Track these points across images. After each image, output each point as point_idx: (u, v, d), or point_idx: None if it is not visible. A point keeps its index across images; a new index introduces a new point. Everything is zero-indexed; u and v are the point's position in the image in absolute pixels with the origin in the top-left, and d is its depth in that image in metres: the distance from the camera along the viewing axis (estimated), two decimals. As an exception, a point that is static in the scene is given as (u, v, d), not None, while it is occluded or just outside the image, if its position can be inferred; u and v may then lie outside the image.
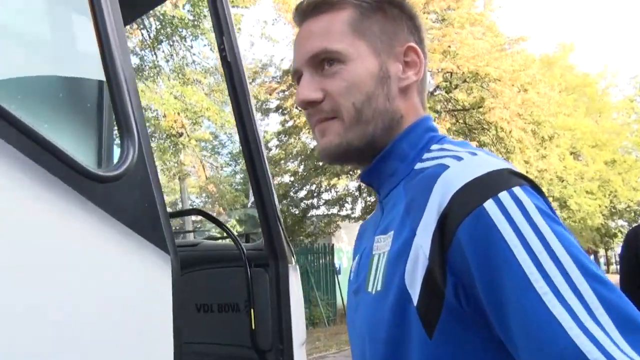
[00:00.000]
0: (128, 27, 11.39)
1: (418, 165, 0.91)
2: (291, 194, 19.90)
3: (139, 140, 1.42)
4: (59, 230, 1.23)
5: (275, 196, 2.30)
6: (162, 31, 11.14)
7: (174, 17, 10.63)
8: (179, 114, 10.74)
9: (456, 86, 17.77)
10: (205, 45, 12.23)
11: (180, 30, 11.00)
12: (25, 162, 1.15)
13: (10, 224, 1.13)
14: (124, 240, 1.33)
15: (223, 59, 2.26)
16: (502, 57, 16.76)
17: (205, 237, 3.31)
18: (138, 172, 1.40)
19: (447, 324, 0.78)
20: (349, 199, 19.77)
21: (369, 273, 0.92)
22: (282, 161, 19.38)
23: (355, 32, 0.94)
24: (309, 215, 20.39)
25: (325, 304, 15.15)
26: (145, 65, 11.42)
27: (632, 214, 30.76)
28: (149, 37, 11.40)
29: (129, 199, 1.38)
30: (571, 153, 23.23)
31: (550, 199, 18.99)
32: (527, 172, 17.51)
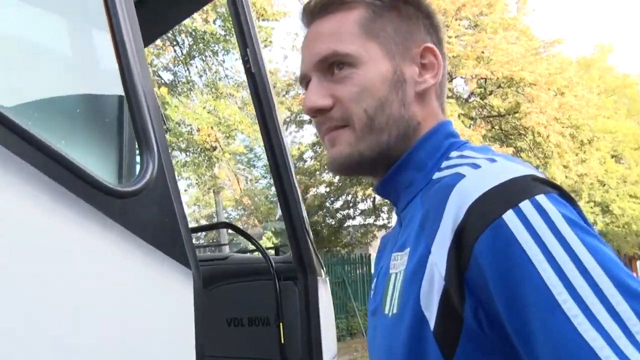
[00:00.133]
0: (161, 43, 11.63)
1: (436, 175, 0.84)
2: (327, 204, 19.87)
3: (158, 155, 1.41)
4: (77, 247, 1.22)
5: (303, 208, 2.27)
6: (194, 47, 11.31)
7: (205, 32, 10.77)
8: (212, 127, 10.86)
9: (491, 92, 17.53)
10: (237, 59, 12.41)
11: (212, 45, 11.14)
12: (41, 179, 1.14)
13: (27, 242, 1.13)
14: (143, 256, 1.32)
15: (247, 70, 2.25)
16: (537, 61, 16.48)
17: (237, 249, 3.30)
18: (158, 186, 1.39)
19: (467, 350, 0.70)
20: (385, 209, 19.62)
21: (385, 293, 0.85)
22: (318, 172, 19.39)
23: (367, 33, 0.87)
24: (345, 225, 20.32)
25: (362, 314, 15.02)
26: (179, 81, 11.59)
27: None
28: (182, 53, 11.58)
29: (148, 214, 1.36)
30: (612, 156, 22.56)
31: (592, 204, 18.69)
32: (566, 177, 17.14)
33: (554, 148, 16.57)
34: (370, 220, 20.03)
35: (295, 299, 2.24)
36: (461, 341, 0.70)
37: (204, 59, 11.75)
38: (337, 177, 19.36)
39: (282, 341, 2.21)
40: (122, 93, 1.40)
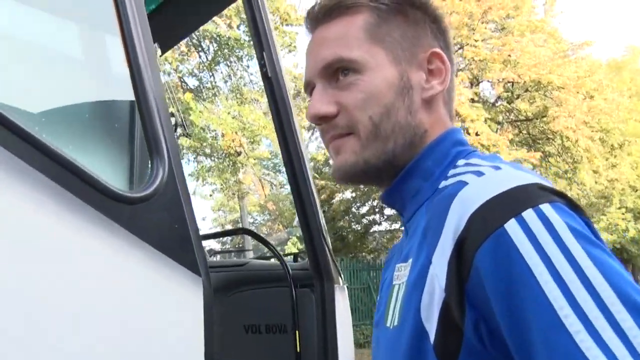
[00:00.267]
0: (186, 49, 11.74)
1: (443, 184, 0.81)
2: (353, 210, 19.81)
3: (169, 161, 1.39)
4: (85, 254, 1.21)
5: (321, 215, 2.24)
6: (219, 52, 11.38)
7: (229, 38, 10.84)
8: (236, 133, 10.91)
9: (518, 96, 17.29)
10: (262, 64, 12.39)
11: (237, 50, 11.21)
12: (49, 185, 1.13)
13: (36, 247, 1.12)
14: (152, 262, 1.31)
15: (264, 74, 2.23)
16: (566, 63, 16.20)
17: (257, 256, 3.28)
18: (168, 192, 1.37)
19: None
20: (411, 214, 19.46)
21: (388, 305, 0.83)
22: (343, 177, 19.29)
23: (373, 38, 0.85)
24: (371, 231, 20.23)
25: (387, 321, 14.91)
26: (203, 86, 11.68)
27: None
28: (207, 58, 11.67)
29: (158, 221, 1.35)
30: (645, 161, 22.05)
31: (623, 210, 18.27)
32: (596, 182, 16.81)
33: (583, 152, 16.26)
34: (397, 226, 19.90)
35: (311, 306, 2.21)
36: (461, 355, 0.68)
37: (229, 64, 11.83)
38: (363, 182, 19.28)
39: (298, 349, 2.18)
40: (133, 99, 1.40)
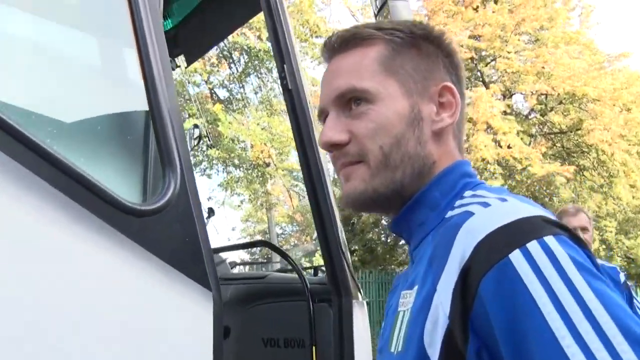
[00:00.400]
0: (216, 61, 11.88)
1: (449, 214, 0.83)
2: (382, 222, 19.68)
3: (181, 173, 1.39)
4: (95, 266, 1.20)
5: (340, 229, 2.21)
6: (249, 64, 11.49)
7: (259, 50, 10.93)
8: (265, 144, 10.96)
9: (551, 108, 17.01)
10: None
11: (266, 62, 11.29)
12: (59, 197, 1.13)
13: (44, 259, 1.12)
14: (162, 276, 1.29)
15: (284, 87, 2.22)
16: (601, 75, 15.87)
17: (278, 268, 3.28)
18: (179, 205, 1.36)
19: None
20: (440, 227, 19.25)
21: (392, 331, 0.85)
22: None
23: (386, 70, 0.87)
24: (401, 243, 20.02)
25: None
26: (233, 97, 11.79)
27: None
28: (237, 70, 11.78)
29: (168, 233, 1.34)
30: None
31: (661, 227, 17.73)
32: (633, 197, 16.38)
33: (620, 166, 15.86)
34: (426, 239, 19.68)
35: (329, 321, 2.17)
36: None
37: (259, 75, 11.93)
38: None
39: (315, 365, 2.15)
40: (146, 110, 1.40)
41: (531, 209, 0.72)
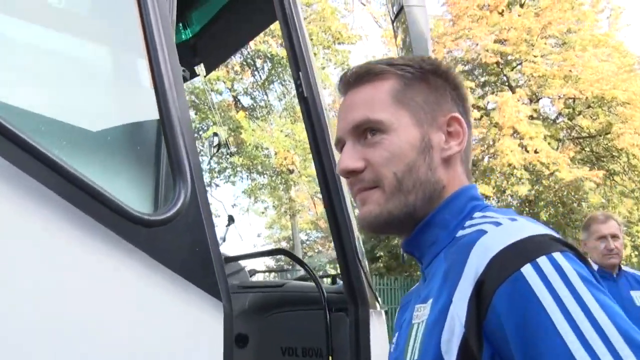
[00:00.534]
0: (240, 69, 11.97)
1: (460, 233, 0.90)
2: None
3: (192, 183, 1.38)
4: (103, 276, 1.20)
5: (357, 236, 2.18)
6: (272, 71, 11.54)
7: (282, 57, 10.98)
8: (289, 151, 10.99)
9: (580, 112, 16.73)
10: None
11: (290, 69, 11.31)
12: (68, 208, 1.14)
13: (51, 270, 1.12)
14: (172, 286, 1.29)
15: (300, 94, 2.21)
16: (631, 78, 15.58)
17: (298, 276, 3.26)
18: (189, 215, 1.36)
19: None
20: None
21: (407, 342, 0.90)
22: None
23: (398, 103, 0.94)
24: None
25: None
26: (257, 105, 11.84)
27: None
28: (260, 77, 11.85)
29: (178, 243, 1.33)
30: None
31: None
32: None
33: (651, 171, 15.54)
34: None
35: (345, 330, 2.15)
36: None
37: (282, 83, 11.98)
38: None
39: (331, 375, 2.12)
40: (157, 120, 1.40)
41: (539, 228, 0.79)
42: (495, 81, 17.64)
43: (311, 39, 11.08)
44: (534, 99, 16.92)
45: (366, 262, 2.34)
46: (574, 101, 16.48)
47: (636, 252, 16.38)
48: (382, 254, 16.77)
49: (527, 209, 15.89)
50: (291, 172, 11.77)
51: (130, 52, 1.52)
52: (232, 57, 11.07)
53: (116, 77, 1.53)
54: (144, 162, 1.45)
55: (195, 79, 3.53)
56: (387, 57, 1.07)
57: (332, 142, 2.24)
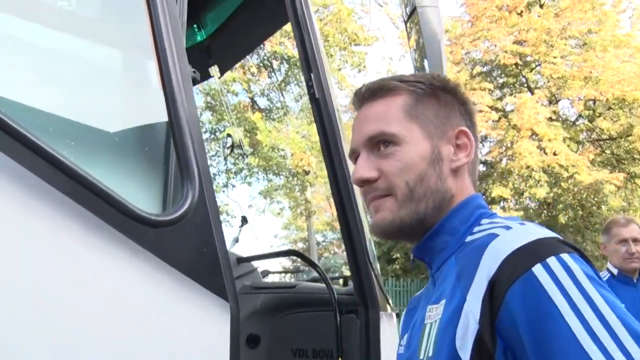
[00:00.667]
0: (256, 70, 12.02)
1: (469, 238, 0.96)
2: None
3: (200, 184, 1.38)
4: (111, 277, 1.21)
5: (366, 237, 2.17)
6: (289, 73, 11.56)
7: (298, 59, 10.97)
8: (305, 152, 10.99)
9: (600, 114, 16.51)
10: (334, 83, 12.50)
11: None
12: (75, 208, 1.14)
13: (59, 271, 1.13)
14: (178, 287, 1.29)
15: (311, 95, 2.20)
16: (654, 79, 15.33)
17: (310, 278, 3.26)
18: (197, 216, 1.36)
19: None
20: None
21: (421, 341, 0.95)
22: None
23: (410, 117, 1.01)
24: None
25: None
26: (274, 106, 11.87)
27: None
28: (277, 79, 11.87)
29: (185, 244, 1.33)
30: None
31: None
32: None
33: (674, 174, 15.29)
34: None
35: (356, 332, 2.14)
36: None
37: (299, 84, 11.99)
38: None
39: (340, 378, 2.12)
40: (165, 121, 1.40)
41: (547, 232, 0.85)
42: (513, 82, 17.49)
43: (327, 41, 11.08)
44: (553, 100, 16.75)
45: (377, 265, 2.32)
46: (594, 103, 16.27)
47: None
48: (398, 255, 16.71)
49: (545, 211, 15.73)
50: (307, 173, 11.78)
51: (139, 54, 1.53)
52: (249, 58, 11.16)
53: (125, 79, 1.54)
54: (153, 163, 1.45)
55: (213, 80, 3.55)
56: (398, 74, 1.14)
57: (344, 143, 2.24)
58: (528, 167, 14.52)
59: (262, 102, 12.55)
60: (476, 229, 0.97)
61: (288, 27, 2.51)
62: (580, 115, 17.03)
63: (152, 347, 1.25)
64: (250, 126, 9.61)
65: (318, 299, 2.51)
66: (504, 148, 15.83)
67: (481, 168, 17.28)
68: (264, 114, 11.45)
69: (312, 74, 2.18)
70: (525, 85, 17.20)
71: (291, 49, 11.05)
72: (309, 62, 2.17)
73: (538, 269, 0.78)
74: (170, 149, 1.47)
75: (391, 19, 14.98)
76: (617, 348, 0.71)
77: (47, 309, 1.10)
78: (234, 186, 12.86)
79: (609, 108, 16.20)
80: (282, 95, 12.14)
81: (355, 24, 11.76)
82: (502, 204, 16.08)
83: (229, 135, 3.33)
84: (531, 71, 17.04)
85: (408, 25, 2.34)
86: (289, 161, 11.46)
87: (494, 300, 0.80)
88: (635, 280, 3.24)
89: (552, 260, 0.78)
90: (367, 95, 1.06)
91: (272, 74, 11.97)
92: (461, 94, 1.07)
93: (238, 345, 1.37)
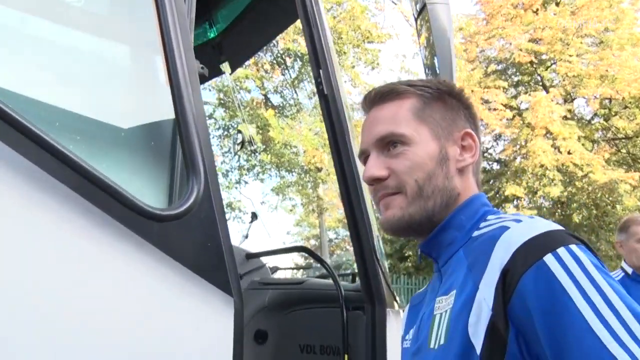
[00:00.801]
0: (269, 67, 12.03)
1: (475, 233, 1.01)
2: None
3: (205, 178, 1.39)
4: (115, 271, 1.22)
5: (373, 234, 2.17)
6: (302, 70, 11.55)
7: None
8: (317, 149, 10.99)
9: (616, 113, 16.33)
10: (345, 81, 12.49)
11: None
12: (81, 202, 1.15)
13: (65, 266, 1.14)
14: (183, 281, 1.30)
15: (320, 92, 2.20)
16: (671, 78, 15.12)
17: (319, 274, 3.27)
18: (202, 210, 1.36)
19: None
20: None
21: (431, 331, 0.99)
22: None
23: (419, 119, 1.07)
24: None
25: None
26: (287, 103, 11.87)
27: None
28: (290, 76, 11.87)
29: (190, 239, 1.34)
30: None
31: None
32: None
33: (690, 174, 15.08)
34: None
35: (362, 329, 2.14)
36: None
37: (312, 81, 11.98)
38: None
39: (346, 374, 2.12)
40: (172, 116, 1.41)
41: (555, 225, 0.90)
42: (528, 81, 17.35)
43: (341, 38, 11.06)
44: (568, 99, 16.59)
45: (385, 262, 2.32)
46: (610, 101, 16.10)
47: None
48: (410, 253, 16.66)
49: (559, 210, 15.60)
50: (319, 170, 11.79)
51: (147, 50, 1.54)
52: (262, 55, 11.17)
53: (131, 74, 1.55)
54: (158, 158, 1.46)
55: (226, 77, 3.57)
56: (406, 80, 1.24)
57: (353, 140, 2.24)
58: (542, 165, 14.40)
59: (275, 99, 12.61)
60: (482, 224, 1.01)
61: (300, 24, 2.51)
62: (595, 114, 16.86)
63: (156, 341, 1.26)
64: (262, 123, 9.62)
65: (325, 295, 2.51)
66: (518, 146, 15.72)
67: (495, 166, 17.18)
68: (276, 111, 11.45)
69: (321, 70, 2.18)
70: (540, 83, 17.06)
71: (304, 46, 11.06)
72: (318, 59, 2.18)
73: (549, 259, 0.83)
74: (176, 143, 1.48)
75: (405, 17, 14.90)
76: (622, 328, 0.77)
77: (52, 303, 1.11)
78: (246, 183, 12.93)
79: (625, 107, 16.01)
80: (295, 92, 12.14)
81: (368, 22, 11.73)
82: (515, 202, 15.97)
83: (239, 131, 3.35)
84: (546, 69, 16.88)
85: (418, 22, 2.34)
86: (301, 158, 11.47)
87: (506, 288, 0.85)
88: (651, 279, 3.20)
89: (562, 251, 0.84)
90: (377, 98, 1.11)
91: (285, 71, 11.98)
92: (465, 99, 1.13)
93: (241, 340, 1.38)
